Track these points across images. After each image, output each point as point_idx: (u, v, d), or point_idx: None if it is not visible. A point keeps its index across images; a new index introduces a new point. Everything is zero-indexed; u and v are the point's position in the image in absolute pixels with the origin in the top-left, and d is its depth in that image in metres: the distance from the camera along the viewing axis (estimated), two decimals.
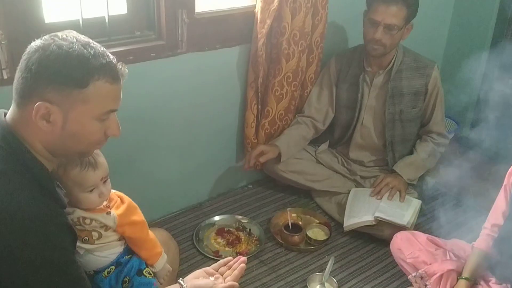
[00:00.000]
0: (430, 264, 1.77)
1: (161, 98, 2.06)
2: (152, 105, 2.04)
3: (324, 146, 2.51)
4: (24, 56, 1.06)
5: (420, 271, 1.78)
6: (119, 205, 1.39)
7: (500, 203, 1.71)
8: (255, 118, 2.33)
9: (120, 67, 1.12)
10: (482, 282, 1.67)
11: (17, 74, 1.07)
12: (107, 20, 1.85)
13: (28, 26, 1.67)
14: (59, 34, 1.07)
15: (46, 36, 1.06)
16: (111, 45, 1.83)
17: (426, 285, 1.75)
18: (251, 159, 2.25)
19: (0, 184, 1.02)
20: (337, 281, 1.97)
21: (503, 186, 1.70)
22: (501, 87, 2.86)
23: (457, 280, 1.71)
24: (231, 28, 2.14)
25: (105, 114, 1.10)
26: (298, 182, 2.43)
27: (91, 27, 1.82)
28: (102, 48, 1.09)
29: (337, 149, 2.51)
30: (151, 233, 1.45)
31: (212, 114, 2.27)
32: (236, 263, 1.35)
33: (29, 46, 1.07)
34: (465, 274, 1.70)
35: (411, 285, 1.83)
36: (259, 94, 2.28)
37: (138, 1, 1.93)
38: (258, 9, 2.09)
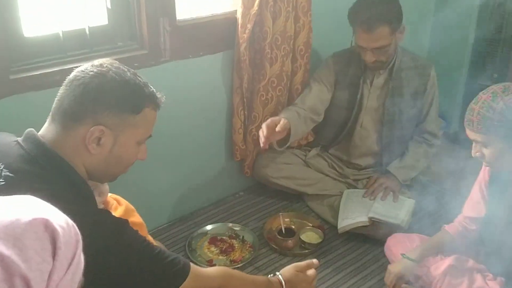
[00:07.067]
0: (422, 266, 1.76)
1: None
2: None
3: (314, 151, 2.49)
4: (77, 82, 1.09)
5: (419, 281, 1.78)
6: (116, 207, 1.40)
7: (474, 197, 1.72)
8: (242, 124, 2.32)
9: (160, 96, 1.20)
10: (479, 279, 1.66)
11: (67, 98, 1.09)
12: (87, 32, 1.83)
13: (7, 41, 1.65)
14: (106, 61, 1.13)
15: (96, 63, 1.12)
16: (93, 57, 1.81)
17: None
18: (267, 130, 1.97)
19: (58, 203, 0.99)
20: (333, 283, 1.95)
21: (477, 181, 1.70)
22: (486, 82, 2.88)
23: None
24: (214, 35, 2.13)
25: (145, 139, 1.19)
26: (289, 187, 2.42)
27: (72, 40, 1.81)
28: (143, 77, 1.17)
29: (331, 152, 2.47)
30: (149, 237, 1.45)
31: (199, 122, 2.25)
32: None
33: (78, 71, 1.11)
34: (415, 253, 1.75)
35: (406, 282, 1.82)
36: (245, 99, 2.27)
37: (119, 11, 1.91)
38: (239, 14, 2.09)
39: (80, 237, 0.68)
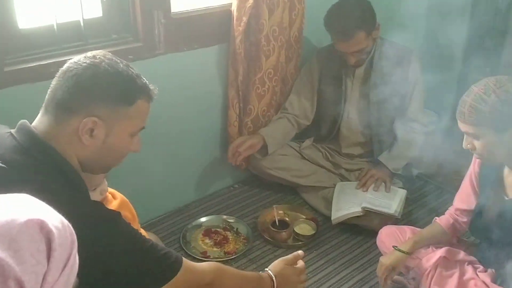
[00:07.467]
0: (414, 257, 1.78)
1: None
2: None
3: (308, 142, 2.51)
4: (70, 73, 1.09)
5: (410, 273, 1.79)
6: (111, 200, 1.40)
7: (465, 189, 1.73)
8: (237, 116, 2.33)
9: (152, 87, 1.19)
10: (470, 271, 1.68)
11: (60, 90, 1.09)
12: (82, 24, 1.83)
13: (2, 33, 1.65)
14: (99, 53, 1.13)
15: (89, 54, 1.12)
16: (88, 49, 1.81)
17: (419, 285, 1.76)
18: (230, 151, 2.25)
19: (51, 194, 0.96)
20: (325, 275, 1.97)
21: (468, 173, 1.71)
22: (479, 75, 2.89)
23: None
24: (209, 27, 2.13)
25: (138, 131, 1.19)
26: (283, 179, 2.44)
27: (66, 32, 1.81)
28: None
29: (324, 144, 2.51)
30: (142, 231, 1.46)
31: (194, 114, 2.26)
32: None
33: (71, 62, 1.11)
34: (407, 245, 1.75)
35: (398, 274, 1.84)
36: (240, 92, 2.27)
37: (113, 3, 1.91)
38: (234, 7, 2.09)
39: (75, 237, 0.66)
